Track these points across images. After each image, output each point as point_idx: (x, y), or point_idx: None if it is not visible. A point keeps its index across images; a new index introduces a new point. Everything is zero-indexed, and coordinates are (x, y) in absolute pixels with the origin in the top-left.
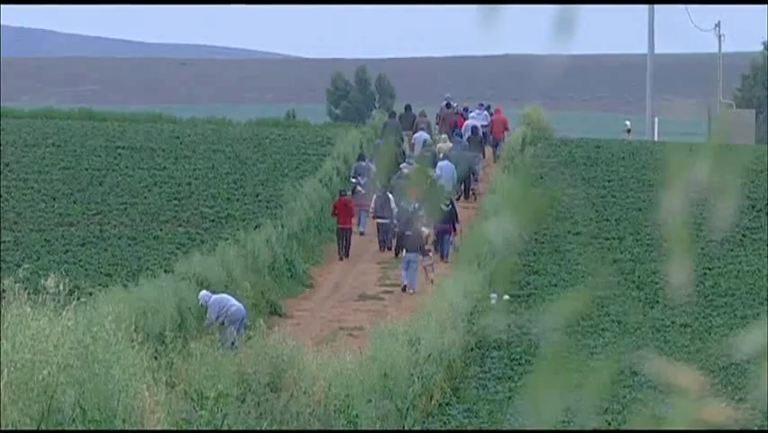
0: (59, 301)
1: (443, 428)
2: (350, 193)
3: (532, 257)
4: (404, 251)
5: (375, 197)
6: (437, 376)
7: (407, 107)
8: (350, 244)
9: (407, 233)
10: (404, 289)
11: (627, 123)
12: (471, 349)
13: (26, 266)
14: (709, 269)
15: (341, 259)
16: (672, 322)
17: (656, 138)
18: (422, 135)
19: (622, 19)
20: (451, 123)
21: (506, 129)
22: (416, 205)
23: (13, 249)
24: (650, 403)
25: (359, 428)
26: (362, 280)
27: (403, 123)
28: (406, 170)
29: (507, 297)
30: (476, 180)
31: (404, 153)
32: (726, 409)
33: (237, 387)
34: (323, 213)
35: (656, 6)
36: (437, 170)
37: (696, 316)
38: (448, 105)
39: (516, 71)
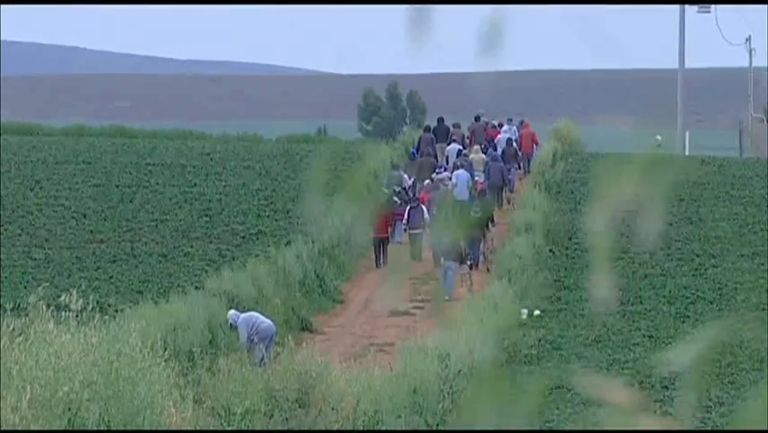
0: (81, 319)
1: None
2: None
3: (563, 272)
4: (442, 259)
5: (409, 207)
6: (467, 392)
7: (440, 120)
8: (387, 254)
9: (445, 241)
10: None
11: (658, 137)
12: (502, 365)
13: (45, 284)
14: (740, 283)
15: (377, 267)
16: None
17: (687, 153)
18: (456, 146)
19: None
20: (488, 135)
21: (535, 143)
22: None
23: (44, 266)
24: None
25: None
26: (393, 295)
27: (436, 135)
28: (439, 179)
29: (537, 312)
30: (511, 191)
31: (436, 164)
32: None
33: (265, 403)
34: (353, 229)
35: (687, 21)
36: (453, 179)
37: (727, 330)
38: (477, 119)
39: (547, 86)
